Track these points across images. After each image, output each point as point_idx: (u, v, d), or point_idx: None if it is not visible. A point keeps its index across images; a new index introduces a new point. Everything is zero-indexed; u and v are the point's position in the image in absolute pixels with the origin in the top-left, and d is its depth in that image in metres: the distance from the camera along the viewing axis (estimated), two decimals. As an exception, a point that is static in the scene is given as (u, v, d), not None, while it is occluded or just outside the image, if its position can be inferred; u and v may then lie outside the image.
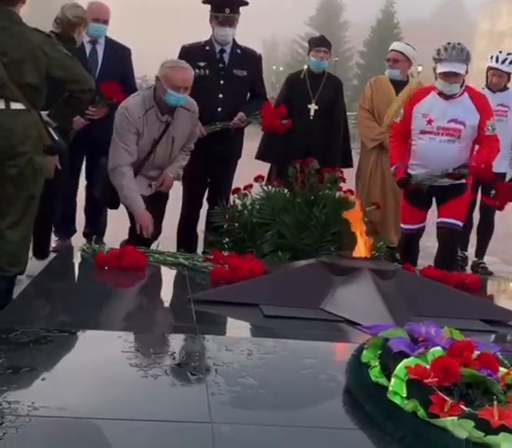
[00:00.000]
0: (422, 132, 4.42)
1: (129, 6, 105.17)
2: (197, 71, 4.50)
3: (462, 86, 4.37)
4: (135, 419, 1.61)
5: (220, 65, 4.69)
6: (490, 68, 5.60)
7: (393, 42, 6.08)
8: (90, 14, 4.74)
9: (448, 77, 4.28)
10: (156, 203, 4.25)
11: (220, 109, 4.62)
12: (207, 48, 4.69)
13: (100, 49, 4.83)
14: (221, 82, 4.66)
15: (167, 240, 4.54)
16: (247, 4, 4.76)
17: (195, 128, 4.31)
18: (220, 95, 4.64)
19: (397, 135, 4.60)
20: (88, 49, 4.82)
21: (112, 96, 4.51)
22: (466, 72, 4.37)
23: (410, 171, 4.45)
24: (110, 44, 4.92)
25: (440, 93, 4.39)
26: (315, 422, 1.67)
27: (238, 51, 4.75)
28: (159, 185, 4.21)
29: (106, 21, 4.86)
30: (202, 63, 4.60)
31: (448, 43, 4.40)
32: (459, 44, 4.38)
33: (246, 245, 3.96)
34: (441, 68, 4.29)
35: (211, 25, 4.68)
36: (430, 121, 4.38)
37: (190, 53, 4.65)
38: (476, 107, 4.38)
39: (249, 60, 4.82)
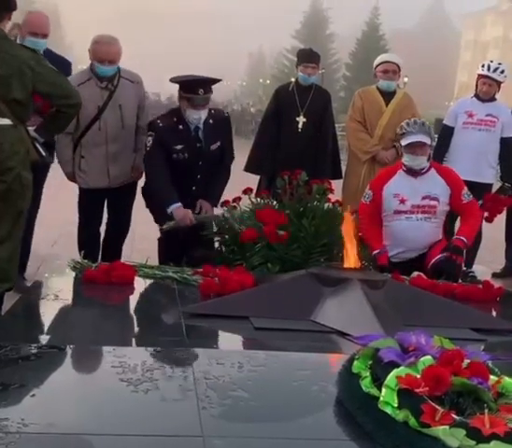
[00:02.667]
0: (397, 212, 4.28)
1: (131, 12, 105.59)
2: (175, 156, 4.20)
3: (428, 160, 4.30)
4: (126, 434, 1.60)
5: (198, 145, 4.26)
6: (481, 76, 5.61)
7: (382, 54, 6.09)
8: (26, 27, 4.37)
9: (414, 148, 4.19)
10: (123, 196, 4.55)
11: (194, 188, 4.30)
12: (181, 127, 4.21)
13: None
14: (200, 163, 4.28)
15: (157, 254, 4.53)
16: (219, 81, 4.45)
17: (143, 100, 4.60)
18: (199, 176, 4.31)
19: (368, 217, 4.34)
20: None
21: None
22: (430, 146, 4.32)
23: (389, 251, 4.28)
24: (49, 57, 4.33)
25: (407, 171, 4.30)
26: (307, 433, 1.67)
27: (211, 122, 4.28)
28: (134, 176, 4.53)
29: (45, 35, 4.48)
30: (179, 147, 4.19)
31: (409, 119, 4.42)
32: (420, 120, 4.40)
33: (235, 258, 3.96)
34: (406, 140, 4.21)
35: (182, 107, 4.21)
36: (403, 201, 4.26)
37: (164, 134, 4.17)
38: (445, 181, 4.29)
39: (221, 127, 4.39)
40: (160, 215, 4.21)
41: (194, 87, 4.14)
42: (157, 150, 4.15)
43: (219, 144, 4.33)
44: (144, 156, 4.28)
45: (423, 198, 4.26)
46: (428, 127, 4.30)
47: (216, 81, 4.39)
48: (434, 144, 4.52)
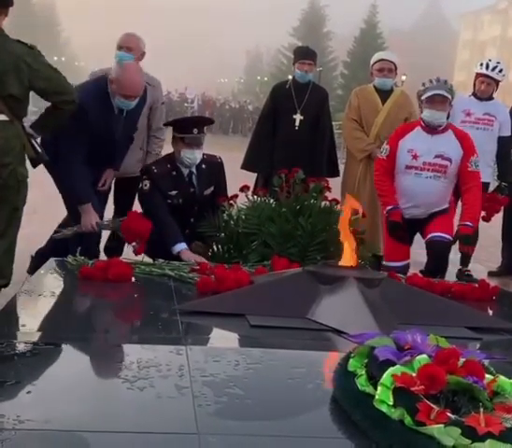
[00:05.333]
0: (408, 167, 4.37)
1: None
2: (170, 201, 4.21)
3: (447, 118, 4.39)
4: (122, 431, 1.60)
5: (191, 190, 4.29)
6: (479, 75, 5.61)
7: (378, 52, 6.08)
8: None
9: (435, 103, 4.27)
10: (128, 188, 4.81)
11: (187, 231, 4.25)
12: (174, 173, 4.24)
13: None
14: (195, 208, 4.30)
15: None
16: (212, 122, 4.72)
17: (157, 102, 4.97)
18: (192, 219, 4.30)
19: (384, 173, 4.49)
20: None
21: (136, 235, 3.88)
22: (450, 103, 4.42)
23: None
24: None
25: (425, 128, 4.36)
26: (302, 431, 1.67)
27: (203, 167, 4.31)
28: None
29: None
30: (173, 193, 4.21)
31: (433, 77, 4.47)
32: (443, 78, 4.46)
33: (232, 256, 3.96)
34: (427, 94, 4.29)
35: (175, 148, 4.24)
36: (415, 156, 4.34)
37: (159, 181, 4.19)
38: (460, 143, 4.36)
39: (214, 172, 4.40)
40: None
41: (188, 126, 4.18)
42: (155, 192, 4.16)
43: (212, 189, 4.33)
44: (140, 197, 4.28)
45: (436, 156, 4.34)
46: (450, 85, 4.39)
47: (209, 121, 4.70)
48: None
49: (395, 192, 4.42)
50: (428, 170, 4.33)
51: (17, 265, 4.11)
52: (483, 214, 5.44)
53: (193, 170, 4.25)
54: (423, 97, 4.34)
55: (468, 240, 4.26)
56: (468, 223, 4.19)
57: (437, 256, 4.31)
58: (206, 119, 4.65)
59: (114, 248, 5.11)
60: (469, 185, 4.33)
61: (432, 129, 4.35)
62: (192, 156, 4.16)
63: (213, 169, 4.35)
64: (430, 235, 4.37)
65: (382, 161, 4.50)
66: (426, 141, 4.35)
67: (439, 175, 4.33)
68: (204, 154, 4.28)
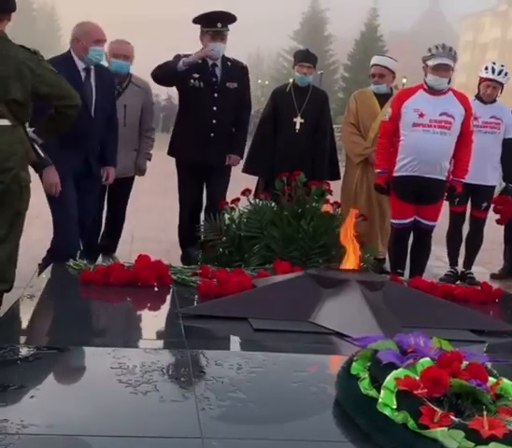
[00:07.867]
0: (415, 124, 4.71)
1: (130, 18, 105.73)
2: (192, 81, 4.82)
3: (449, 83, 4.79)
4: (125, 435, 1.60)
5: (214, 79, 4.90)
6: (484, 79, 5.61)
7: (374, 56, 6.06)
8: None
9: (439, 70, 4.66)
10: (120, 188, 5.05)
11: (214, 121, 4.87)
12: (200, 61, 4.83)
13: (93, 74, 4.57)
14: (215, 95, 4.88)
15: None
16: (235, 20, 4.98)
17: (148, 104, 5.23)
18: (214, 108, 4.87)
19: (387, 134, 4.88)
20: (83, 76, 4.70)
21: None
22: (452, 69, 4.78)
23: (401, 163, 4.79)
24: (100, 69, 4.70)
25: (428, 90, 4.75)
26: (305, 435, 1.67)
27: (228, 64, 4.97)
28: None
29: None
30: (196, 75, 4.83)
31: (438, 43, 4.82)
32: (448, 44, 4.82)
33: (234, 259, 3.96)
34: (433, 62, 4.66)
35: (202, 42, 4.86)
36: (422, 115, 4.70)
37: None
38: (461, 103, 4.77)
39: (239, 72, 5.05)
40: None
41: (213, 21, 4.76)
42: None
43: (235, 85, 4.92)
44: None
45: (441, 114, 4.73)
46: (454, 52, 4.75)
47: (231, 18, 4.90)
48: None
49: (389, 157, 4.84)
50: (435, 126, 4.70)
51: (19, 270, 4.11)
52: (498, 217, 5.47)
53: (217, 63, 4.86)
54: (429, 64, 4.71)
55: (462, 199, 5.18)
56: (462, 180, 4.81)
57: (422, 239, 4.94)
58: (229, 14, 4.95)
59: (108, 246, 5.31)
60: (466, 142, 4.80)
61: (434, 91, 4.76)
62: (217, 48, 4.77)
63: (237, 69, 5.00)
64: (421, 221, 4.88)
65: (385, 124, 4.92)
66: (430, 101, 4.75)
67: (445, 131, 4.71)
68: (232, 59, 4.99)
